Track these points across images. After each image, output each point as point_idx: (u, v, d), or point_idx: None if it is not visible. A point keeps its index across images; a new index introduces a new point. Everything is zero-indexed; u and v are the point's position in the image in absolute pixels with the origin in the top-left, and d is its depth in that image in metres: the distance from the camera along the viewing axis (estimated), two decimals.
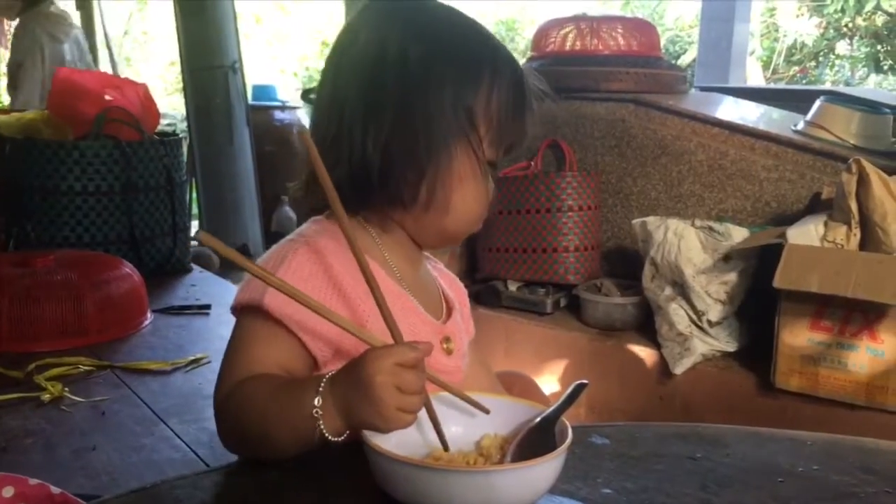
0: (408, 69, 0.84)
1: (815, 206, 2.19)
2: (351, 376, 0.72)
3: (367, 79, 0.85)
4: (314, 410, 0.72)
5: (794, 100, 3.33)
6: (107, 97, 2.55)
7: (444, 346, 0.91)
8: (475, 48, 0.88)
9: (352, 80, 0.85)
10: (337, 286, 0.83)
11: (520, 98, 0.89)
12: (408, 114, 0.83)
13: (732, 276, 2.13)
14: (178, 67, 7.20)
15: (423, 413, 0.76)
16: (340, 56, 0.88)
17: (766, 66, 10.02)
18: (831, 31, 9.79)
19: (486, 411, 0.78)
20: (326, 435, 0.73)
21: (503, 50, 0.90)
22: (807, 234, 1.93)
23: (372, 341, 0.73)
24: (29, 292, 1.94)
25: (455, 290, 1.02)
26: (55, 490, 1.06)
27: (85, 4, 7.28)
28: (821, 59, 9.99)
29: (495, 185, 0.93)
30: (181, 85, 6.44)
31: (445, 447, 0.76)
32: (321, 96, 0.88)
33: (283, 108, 6.13)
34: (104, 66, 7.37)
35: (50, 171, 2.39)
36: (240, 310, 0.85)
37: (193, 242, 3.01)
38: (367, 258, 0.80)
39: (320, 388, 0.73)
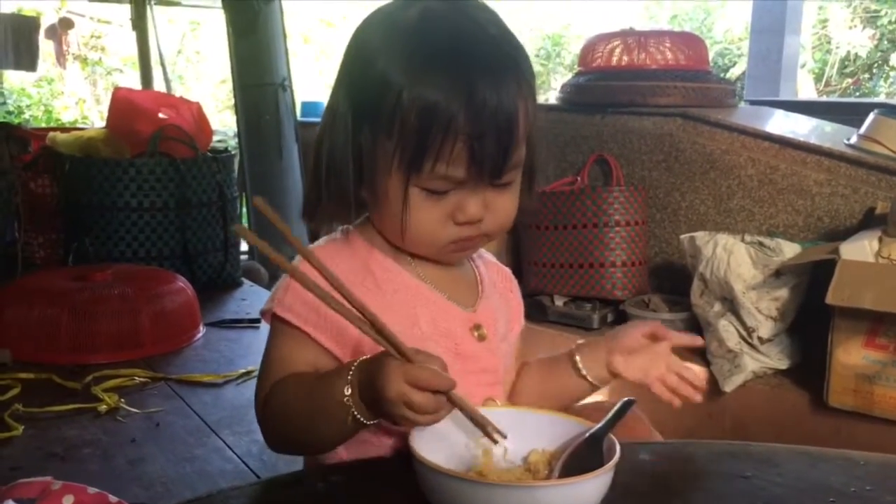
0: (343, 90, 0.85)
1: (870, 221, 2.15)
2: (370, 376, 0.74)
3: (343, 89, 0.86)
4: (345, 399, 0.75)
5: (847, 113, 3.28)
6: (162, 116, 2.62)
7: (475, 333, 0.90)
8: (398, 68, 0.79)
9: (334, 90, 0.89)
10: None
11: (448, 119, 0.77)
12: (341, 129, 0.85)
13: (784, 293, 2.10)
14: (228, 85, 7.35)
15: (475, 428, 0.77)
16: (342, 60, 0.90)
17: (817, 78, 9.84)
18: (885, 42, 9.59)
19: (503, 436, 0.78)
20: (360, 418, 0.75)
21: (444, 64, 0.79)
22: (861, 249, 1.89)
23: (385, 345, 0.74)
24: (87, 306, 2.00)
25: (501, 276, 1.01)
26: (113, 499, 1.10)
27: (141, 25, 7.48)
28: (874, 70, 9.78)
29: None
30: (232, 102, 6.56)
31: (493, 440, 0.77)
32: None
33: None
34: (158, 85, 7.56)
35: (107, 188, 2.47)
36: (267, 317, 0.88)
37: (243, 257, 3.06)
38: (380, 256, 0.87)
39: (349, 377, 0.75)
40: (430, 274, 0.90)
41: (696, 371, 0.95)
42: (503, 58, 0.81)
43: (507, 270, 1.03)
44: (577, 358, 0.98)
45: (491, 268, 1.00)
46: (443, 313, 0.89)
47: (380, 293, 0.86)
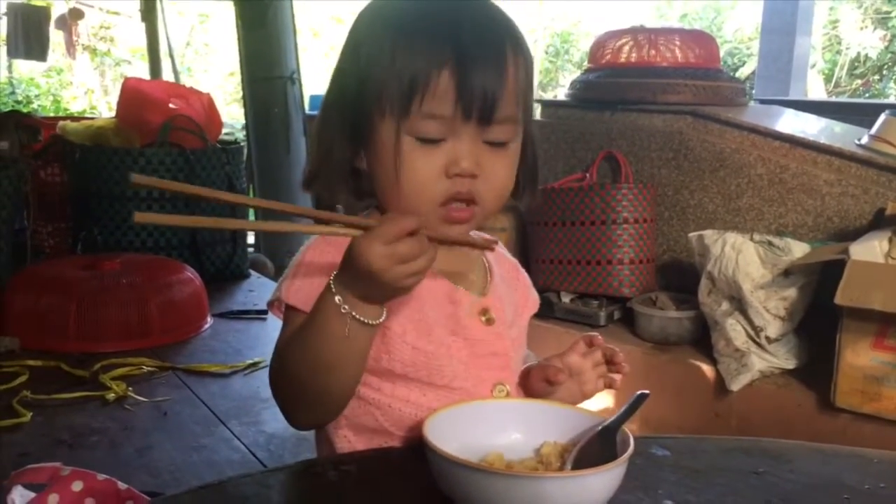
0: (345, 56, 0.88)
1: (880, 221, 2.14)
2: (353, 271, 0.73)
3: (340, 64, 0.90)
4: (340, 308, 0.74)
5: (857, 113, 3.27)
6: (172, 106, 2.62)
7: (483, 317, 0.90)
8: (390, 24, 0.84)
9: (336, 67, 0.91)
10: None
11: (439, 55, 0.80)
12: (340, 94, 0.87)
13: (792, 292, 2.09)
14: (237, 78, 7.35)
15: (490, 417, 0.77)
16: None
17: (827, 79, 9.81)
18: None
19: (494, 241, 0.82)
20: (365, 320, 0.75)
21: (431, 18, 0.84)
22: (870, 250, 1.89)
23: (343, 231, 0.74)
24: (96, 295, 2.00)
25: (507, 266, 1.01)
26: (122, 486, 1.10)
27: (150, 17, 7.48)
28: (885, 71, 9.74)
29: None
30: (240, 95, 6.57)
31: (488, 247, 0.83)
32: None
33: None
34: (167, 76, 7.57)
35: (117, 178, 2.47)
36: (274, 308, 0.88)
37: (250, 249, 3.06)
38: None
39: (332, 290, 0.75)
40: (441, 261, 0.87)
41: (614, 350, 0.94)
42: (494, 11, 0.86)
43: (513, 260, 1.04)
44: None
45: (500, 260, 1.00)
46: (449, 298, 0.88)
47: None
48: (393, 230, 0.71)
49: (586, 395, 0.94)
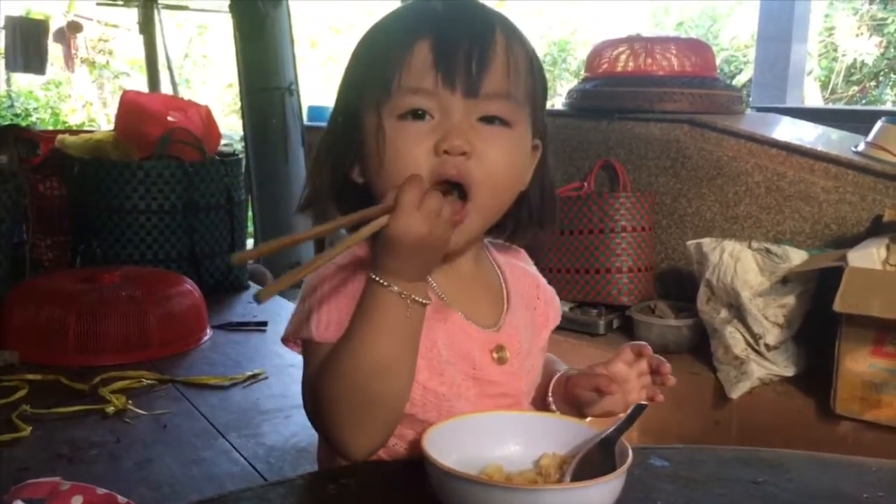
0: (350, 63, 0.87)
1: (877, 228, 2.15)
2: (400, 255, 0.72)
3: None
4: (399, 296, 0.74)
5: (853, 120, 3.27)
6: (170, 118, 2.63)
7: (495, 355, 0.86)
8: (380, 29, 0.84)
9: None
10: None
11: (409, 30, 0.80)
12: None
13: (790, 300, 2.10)
14: (235, 89, 7.37)
15: (489, 429, 0.77)
16: None
17: (824, 86, 9.84)
18: (892, 50, 9.58)
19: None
20: (422, 300, 0.75)
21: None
22: (868, 257, 1.89)
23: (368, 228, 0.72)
24: (95, 308, 2.00)
25: (528, 284, 0.96)
26: (122, 500, 1.10)
27: (148, 29, 7.51)
28: (881, 78, 9.77)
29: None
30: (238, 106, 6.59)
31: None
32: None
33: None
34: (165, 88, 7.58)
35: (116, 191, 2.48)
36: (290, 343, 0.85)
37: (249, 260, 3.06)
38: None
39: (382, 283, 0.74)
40: (449, 289, 0.86)
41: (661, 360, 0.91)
42: (482, 7, 0.84)
43: (535, 275, 0.98)
44: (550, 399, 0.93)
45: (519, 277, 0.95)
46: (461, 334, 0.84)
47: None
48: (414, 194, 0.70)
49: (629, 405, 0.89)
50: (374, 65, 0.81)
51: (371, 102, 0.80)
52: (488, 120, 0.80)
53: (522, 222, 0.90)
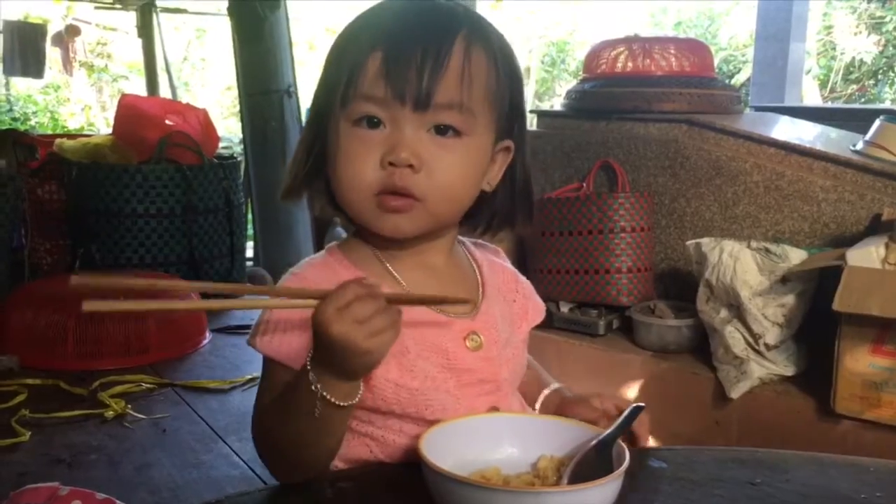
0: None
1: (876, 227, 2.14)
2: (319, 344, 0.72)
3: None
4: (312, 387, 0.73)
5: (852, 119, 3.27)
6: (168, 122, 2.63)
7: (468, 343, 0.86)
8: (348, 26, 0.85)
9: None
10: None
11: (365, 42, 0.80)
12: None
13: (790, 299, 2.09)
14: (234, 92, 7.37)
15: (486, 432, 0.77)
16: None
17: (822, 84, 9.84)
18: (890, 48, 9.59)
19: (465, 301, 0.82)
20: (335, 401, 0.73)
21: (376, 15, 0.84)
22: (867, 256, 1.89)
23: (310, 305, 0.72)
24: (93, 312, 2.00)
25: (506, 278, 0.97)
26: None
27: (147, 33, 7.51)
28: (880, 77, 9.78)
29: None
30: (237, 109, 6.59)
31: (462, 301, 0.81)
32: None
33: None
34: (164, 91, 7.59)
35: (114, 195, 2.48)
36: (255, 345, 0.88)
37: (248, 263, 3.06)
38: (360, 270, 0.85)
39: (308, 367, 0.74)
40: (417, 282, 0.86)
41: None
42: (452, 5, 0.84)
43: (513, 271, 0.99)
44: (537, 409, 0.96)
45: (497, 271, 0.96)
46: (431, 326, 0.85)
47: None
48: (345, 293, 0.70)
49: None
50: (336, 67, 0.82)
51: (333, 104, 0.82)
52: (441, 130, 0.80)
53: (491, 222, 0.91)
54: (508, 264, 1.01)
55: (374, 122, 0.79)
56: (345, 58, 0.81)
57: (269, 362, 0.85)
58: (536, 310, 1.00)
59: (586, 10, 11.12)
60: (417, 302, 0.83)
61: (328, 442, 0.79)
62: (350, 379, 0.74)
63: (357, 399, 0.75)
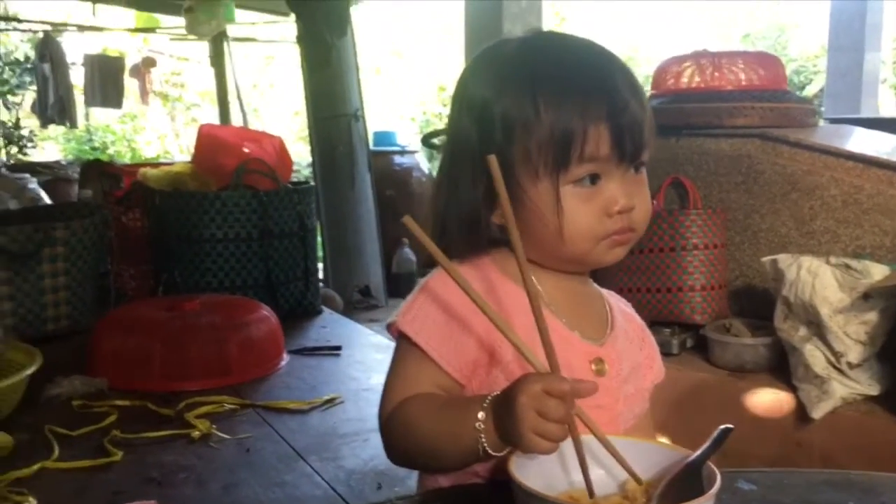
0: (483, 113, 0.88)
1: None
2: (504, 394, 0.76)
3: (465, 122, 0.90)
4: (477, 424, 0.76)
5: None
6: (245, 150, 2.71)
7: (594, 367, 0.90)
8: (525, 76, 0.86)
9: (456, 123, 0.92)
10: (461, 322, 0.86)
11: (568, 103, 0.84)
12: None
13: (873, 316, 2.04)
14: (302, 117, 7.53)
15: (574, 455, 0.77)
16: (453, 101, 0.95)
17: None
18: None
19: (639, 481, 0.78)
20: (487, 448, 0.77)
21: (557, 67, 0.87)
22: None
23: (531, 359, 0.76)
24: (178, 335, 2.07)
25: (634, 325, 1.01)
26: None
27: (218, 62, 7.76)
28: None
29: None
30: (306, 133, 6.74)
31: (591, 493, 0.76)
32: (446, 142, 0.96)
33: (403, 152, 6.33)
34: (235, 117, 7.81)
35: (195, 221, 2.56)
36: (393, 329, 0.90)
37: (320, 285, 3.12)
38: (509, 281, 0.88)
39: (484, 405, 0.77)
40: (556, 298, 0.91)
41: None
42: (616, 60, 0.89)
43: (642, 324, 1.04)
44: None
45: (627, 318, 1.00)
46: (562, 342, 0.86)
47: (494, 330, 0.85)
48: (554, 385, 0.73)
49: None
50: (545, 137, 0.84)
51: (542, 172, 0.85)
52: (637, 167, 0.89)
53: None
54: (639, 318, 1.04)
55: (594, 178, 0.86)
56: (552, 121, 0.84)
57: (403, 345, 0.88)
58: (661, 369, 1.03)
59: (649, 26, 11.03)
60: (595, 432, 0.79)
61: (457, 463, 0.83)
62: (503, 440, 0.77)
63: (502, 454, 0.77)
